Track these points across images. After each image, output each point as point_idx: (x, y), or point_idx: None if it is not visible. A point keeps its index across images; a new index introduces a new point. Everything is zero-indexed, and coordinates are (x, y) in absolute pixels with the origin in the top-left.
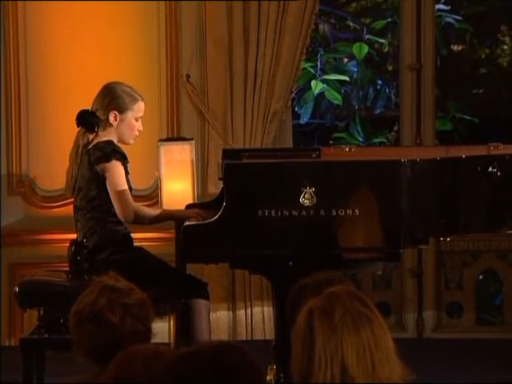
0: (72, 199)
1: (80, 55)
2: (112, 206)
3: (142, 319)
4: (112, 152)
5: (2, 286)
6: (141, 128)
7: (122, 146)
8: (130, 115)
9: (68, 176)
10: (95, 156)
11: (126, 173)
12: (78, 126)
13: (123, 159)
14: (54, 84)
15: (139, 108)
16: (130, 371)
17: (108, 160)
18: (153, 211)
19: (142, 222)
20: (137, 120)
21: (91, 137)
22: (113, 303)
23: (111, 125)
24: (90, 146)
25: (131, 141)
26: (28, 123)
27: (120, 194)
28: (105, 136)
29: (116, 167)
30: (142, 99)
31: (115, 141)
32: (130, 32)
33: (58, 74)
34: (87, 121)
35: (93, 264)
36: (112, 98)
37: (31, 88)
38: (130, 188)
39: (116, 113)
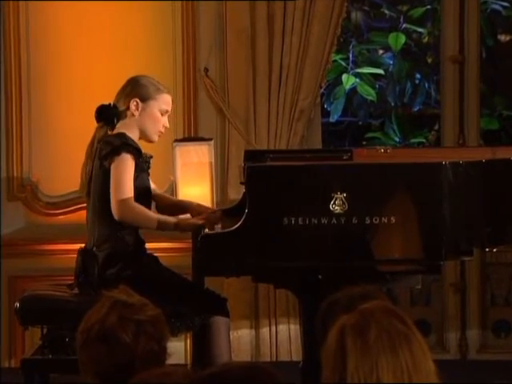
0: (77, 206)
1: (86, 51)
2: None
3: (156, 338)
4: (122, 145)
5: (1, 301)
6: (167, 124)
7: (141, 143)
8: (153, 105)
9: (82, 173)
10: (105, 151)
11: (142, 170)
12: (97, 122)
13: (135, 153)
14: (57, 82)
15: (164, 99)
16: None
17: (118, 153)
18: (157, 216)
19: (141, 225)
20: (162, 114)
21: (110, 132)
22: (124, 320)
23: (132, 114)
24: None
25: (155, 137)
26: (30, 122)
27: (118, 188)
28: (124, 129)
29: (123, 160)
30: (169, 92)
31: (136, 135)
32: (142, 22)
33: (62, 71)
34: (106, 114)
35: (103, 278)
36: (134, 86)
37: (33, 86)
38: (148, 188)
39: (137, 100)
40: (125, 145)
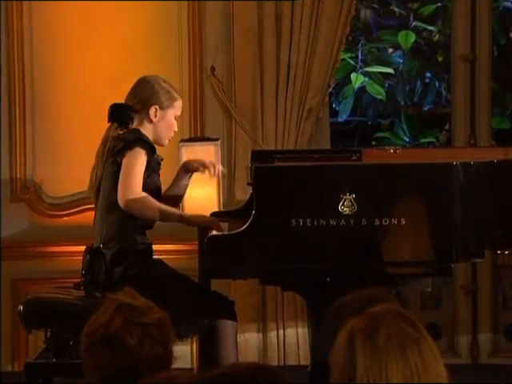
0: (81, 207)
1: (92, 51)
2: None
3: (161, 341)
4: (136, 139)
5: (1, 304)
6: (176, 128)
7: None
8: (171, 113)
9: (92, 175)
10: (118, 147)
11: (154, 171)
12: (109, 121)
13: (149, 149)
14: (61, 82)
15: (179, 106)
16: None
17: (131, 148)
18: (163, 206)
19: (145, 213)
20: (176, 119)
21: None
22: (130, 323)
23: (151, 121)
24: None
25: (166, 141)
26: (33, 123)
27: (126, 176)
28: (140, 126)
29: (136, 153)
30: (180, 97)
31: (150, 138)
32: (148, 21)
33: (66, 71)
34: (121, 115)
35: (109, 276)
36: (152, 91)
37: (37, 87)
38: (158, 188)
39: (157, 107)
40: (139, 140)
